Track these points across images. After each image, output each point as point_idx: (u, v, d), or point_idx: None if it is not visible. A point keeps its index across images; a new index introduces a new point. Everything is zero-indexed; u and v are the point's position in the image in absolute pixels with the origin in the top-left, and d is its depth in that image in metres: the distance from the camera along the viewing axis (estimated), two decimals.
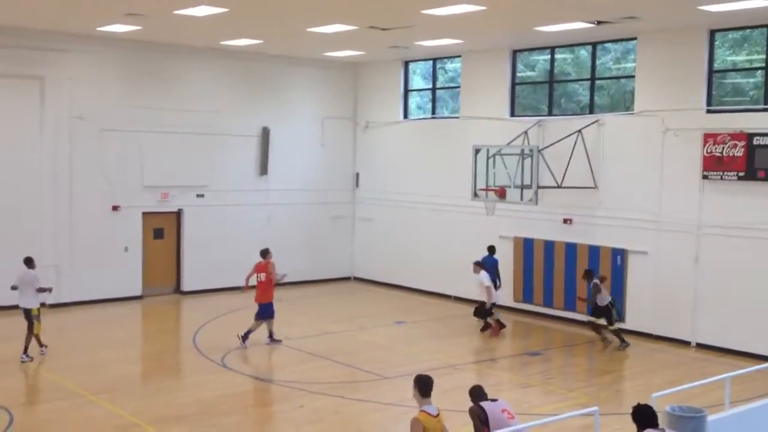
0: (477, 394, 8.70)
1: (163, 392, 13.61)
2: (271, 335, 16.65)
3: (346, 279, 24.86)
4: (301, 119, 24.03)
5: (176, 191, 21.79)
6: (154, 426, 11.55)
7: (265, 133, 23.12)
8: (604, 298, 16.86)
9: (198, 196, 22.17)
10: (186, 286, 22.22)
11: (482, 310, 18.08)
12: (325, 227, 24.60)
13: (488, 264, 18.64)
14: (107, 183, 20.55)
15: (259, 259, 16.94)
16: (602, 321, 16.94)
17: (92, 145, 20.25)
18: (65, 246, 19.72)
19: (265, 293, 16.57)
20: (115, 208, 20.75)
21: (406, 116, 23.93)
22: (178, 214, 22.16)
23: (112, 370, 14.55)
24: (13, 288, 15.30)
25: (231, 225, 22.65)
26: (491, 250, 19.13)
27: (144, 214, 21.41)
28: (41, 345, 15.38)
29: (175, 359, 16.40)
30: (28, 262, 15.52)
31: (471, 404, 8.59)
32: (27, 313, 15.06)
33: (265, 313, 16.52)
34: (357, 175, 25.09)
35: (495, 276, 18.54)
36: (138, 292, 21.34)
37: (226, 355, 15.57)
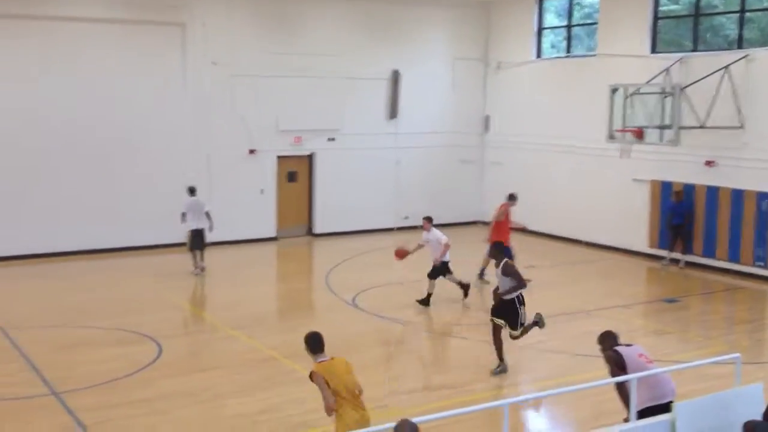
0: (610, 339, 8.41)
1: (297, 329, 13.98)
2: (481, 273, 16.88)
3: (473, 223, 24.72)
4: (431, 61, 23.80)
5: (309, 135, 22.18)
6: (290, 360, 11.97)
7: (395, 76, 23.06)
8: None
9: (329, 140, 22.48)
10: (318, 228, 22.73)
11: (439, 270, 15.15)
12: (454, 171, 24.45)
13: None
14: (244, 127, 21.15)
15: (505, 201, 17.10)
16: None
17: (228, 91, 20.81)
18: (204, 188, 20.52)
19: (503, 233, 16.45)
20: (251, 151, 21.37)
21: (539, 55, 23.24)
22: (311, 158, 22.59)
23: (249, 307, 15.14)
24: (183, 215, 17.44)
25: (361, 168, 22.89)
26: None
27: (278, 157, 21.96)
28: (201, 263, 17.53)
29: (309, 298, 16.89)
30: (192, 190, 17.69)
31: (604, 350, 8.32)
32: (200, 233, 17.24)
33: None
34: (487, 118, 24.71)
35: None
36: (272, 234, 22.04)
37: (357, 295, 15.87)
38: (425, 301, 14.98)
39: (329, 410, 7.25)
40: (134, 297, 15.69)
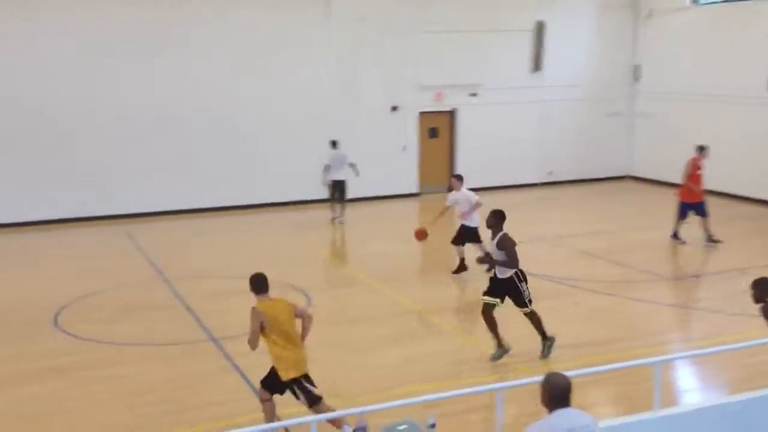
0: (765, 287, 7.59)
1: (440, 284, 14.19)
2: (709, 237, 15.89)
3: (621, 178, 23.91)
4: (578, 10, 23.04)
5: (450, 91, 22.07)
6: (432, 314, 12.13)
7: (539, 28, 22.48)
8: None
9: (471, 95, 22.29)
10: None
11: (465, 236, 14.07)
12: (601, 124, 23.71)
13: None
14: (387, 84, 21.30)
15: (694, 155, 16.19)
16: None
17: (372, 47, 21.00)
18: (348, 145, 20.87)
19: (694, 189, 15.88)
20: (393, 108, 21.52)
21: (695, 1, 21.99)
22: (452, 114, 22.50)
23: (393, 262, 15.39)
24: (326, 167, 18.43)
25: (503, 124, 22.60)
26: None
27: (420, 113, 22.02)
28: (341, 215, 18.46)
29: (451, 254, 16.96)
30: (334, 143, 18.71)
31: (759, 300, 7.67)
32: (341, 184, 18.23)
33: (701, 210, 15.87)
34: (637, 67, 23.70)
35: None
36: (414, 190, 22.21)
37: None
38: (461, 268, 14.10)
39: (251, 345, 7.78)
40: (280, 250, 16.30)
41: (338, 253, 16.68)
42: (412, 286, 13.98)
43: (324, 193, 19.04)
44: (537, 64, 22.64)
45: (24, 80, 18.22)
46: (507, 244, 9.80)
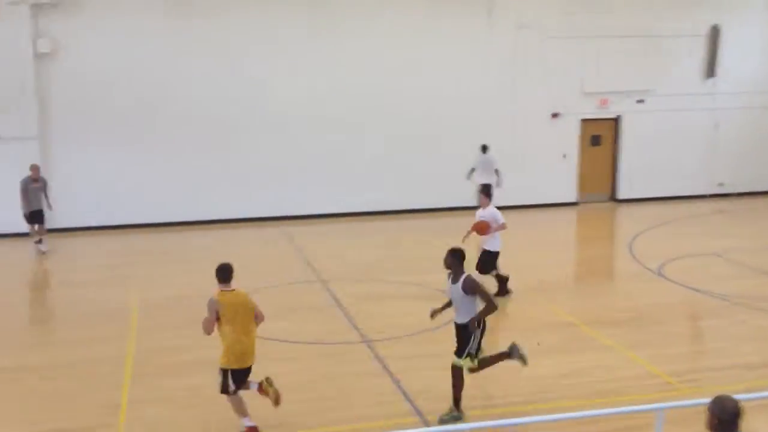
0: None
1: (597, 296, 13.72)
2: None
3: None
4: (755, 14, 21.66)
5: (615, 97, 21.35)
6: (588, 326, 11.71)
7: (714, 32, 21.30)
8: None
9: (638, 101, 21.45)
10: (622, 193, 21.89)
11: (491, 263, 12.94)
12: None
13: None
14: (548, 90, 20.88)
15: None
16: None
17: (535, 53, 20.64)
18: (507, 151, 20.62)
19: None
20: (554, 115, 21.07)
21: None
22: (616, 121, 21.74)
23: (548, 271, 15.02)
24: (472, 170, 18.78)
25: (672, 131, 21.60)
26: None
27: (582, 120, 21.42)
28: None
29: (609, 265, 16.37)
30: (485, 148, 18.95)
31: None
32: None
33: None
34: None
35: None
36: (573, 199, 21.62)
37: (663, 264, 15.06)
38: (503, 291, 12.98)
39: (204, 331, 8.23)
40: (434, 256, 16.28)
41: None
42: (567, 297, 13.58)
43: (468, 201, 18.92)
44: (711, 70, 21.48)
45: (188, 84, 19.22)
46: (477, 286, 8.48)
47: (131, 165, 19.11)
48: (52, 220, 17.92)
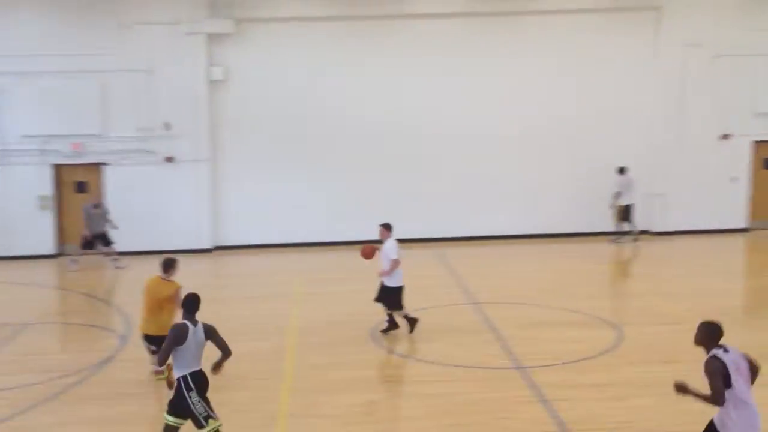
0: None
1: (765, 328, 12.86)
2: None
3: None
4: None
5: None
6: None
7: None
8: None
9: None
10: None
11: (392, 299, 12.29)
12: None
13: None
14: (717, 110, 19.92)
15: None
16: None
17: (704, 72, 19.77)
18: (673, 174, 19.81)
19: None
20: (724, 136, 20.07)
21: None
22: None
23: (715, 299, 14.25)
24: (617, 194, 19.33)
25: None
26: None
27: (755, 142, 20.27)
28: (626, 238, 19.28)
29: None
30: (622, 170, 19.35)
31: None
32: (629, 208, 19.29)
33: None
34: None
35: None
36: (742, 225, 20.45)
37: None
38: (410, 326, 12.32)
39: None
40: (587, 281, 15.90)
41: (652, 287, 15.78)
42: (735, 328, 12.78)
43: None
44: None
45: (348, 108, 19.81)
46: (214, 332, 8.16)
47: (294, 185, 19.88)
48: (225, 238, 19.01)
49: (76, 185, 19.69)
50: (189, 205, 19.49)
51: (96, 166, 19.46)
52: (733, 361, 6.61)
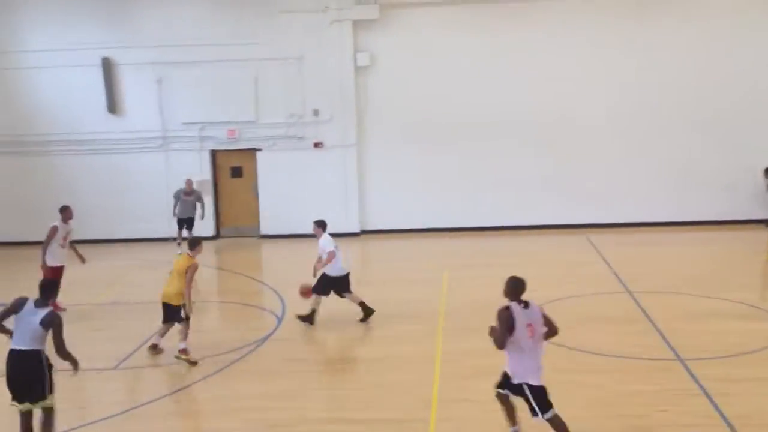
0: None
1: None
2: None
3: None
4: None
5: None
6: None
7: None
8: None
9: None
10: None
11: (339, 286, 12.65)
12: None
13: None
14: None
15: None
16: None
17: None
18: None
19: None
20: None
21: None
22: None
23: None
24: None
25: None
26: None
27: None
28: None
29: None
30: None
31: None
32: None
33: None
34: None
35: None
36: None
37: None
38: (308, 318, 12.58)
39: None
40: (743, 270, 15.22)
41: None
42: None
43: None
44: None
45: (495, 93, 19.67)
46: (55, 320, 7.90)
47: (439, 170, 19.93)
48: (371, 222, 19.38)
49: (231, 170, 20.55)
50: (337, 189, 19.92)
51: (250, 152, 20.22)
52: (527, 315, 7.64)
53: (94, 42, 19.68)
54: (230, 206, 20.53)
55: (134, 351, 11.80)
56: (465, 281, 15.39)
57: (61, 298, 12.70)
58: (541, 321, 7.75)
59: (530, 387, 7.63)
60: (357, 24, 19.54)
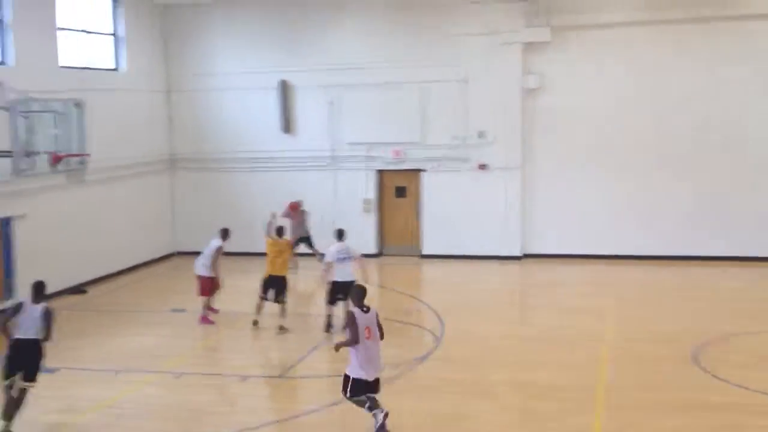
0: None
1: None
2: None
3: None
4: None
5: None
6: None
7: None
8: None
9: None
10: None
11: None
12: None
13: None
14: None
15: None
16: None
17: None
18: None
19: None
20: None
21: None
22: None
23: None
24: None
25: None
26: None
27: None
28: None
29: None
30: None
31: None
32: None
33: None
34: None
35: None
36: None
37: None
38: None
39: None
40: None
41: None
42: None
43: None
44: None
45: (662, 116, 18.94)
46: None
47: (605, 196, 19.40)
48: (534, 246, 19.44)
49: (396, 190, 20.92)
50: (499, 212, 19.79)
51: (414, 172, 20.51)
52: (367, 318, 9.19)
53: (274, 66, 20.68)
54: (393, 225, 20.88)
55: (299, 360, 12.24)
56: (631, 312, 14.86)
57: (230, 306, 13.61)
58: (376, 324, 9.29)
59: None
60: (527, 46, 19.42)
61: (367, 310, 9.26)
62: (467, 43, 19.61)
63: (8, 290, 15.45)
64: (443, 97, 19.91)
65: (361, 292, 9.46)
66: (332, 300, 13.51)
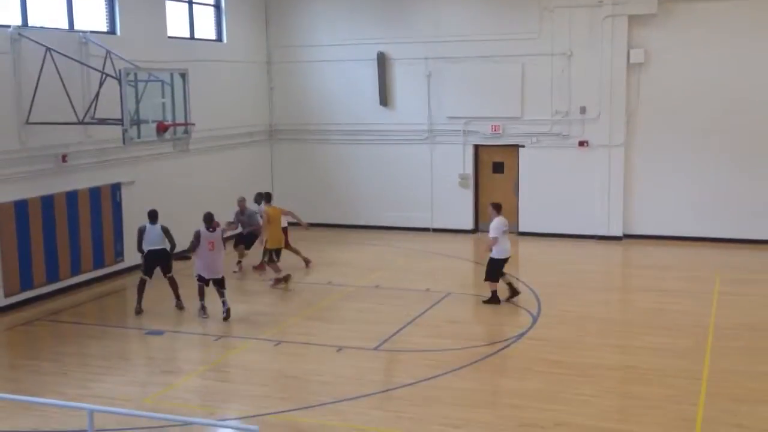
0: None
1: None
2: None
3: None
4: None
5: None
6: None
7: None
8: None
9: None
10: None
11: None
12: None
13: None
14: None
15: None
16: None
17: None
18: None
19: None
20: None
21: None
22: None
23: None
24: None
25: None
26: None
27: None
28: None
29: None
30: None
31: None
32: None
33: None
34: None
35: None
36: None
37: None
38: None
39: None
40: None
41: None
42: None
43: None
44: None
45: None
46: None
47: (712, 176, 18.65)
48: (635, 226, 18.61)
49: (493, 165, 20.64)
50: (600, 191, 19.28)
51: (512, 148, 20.17)
52: (210, 236, 12.96)
53: (372, 37, 20.64)
54: (490, 201, 20.59)
55: (393, 334, 12.29)
56: (739, 297, 14.28)
57: (328, 278, 13.77)
58: (221, 239, 13.04)
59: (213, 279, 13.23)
60: (632, 19, 18.73)
61: (214, 230, 12.94)
62: (571, 16, 19.07)
63: (119, 253, 16.18)
64: (544, 71, 19.45)
65: (208, 216, 13.07)
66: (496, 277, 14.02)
